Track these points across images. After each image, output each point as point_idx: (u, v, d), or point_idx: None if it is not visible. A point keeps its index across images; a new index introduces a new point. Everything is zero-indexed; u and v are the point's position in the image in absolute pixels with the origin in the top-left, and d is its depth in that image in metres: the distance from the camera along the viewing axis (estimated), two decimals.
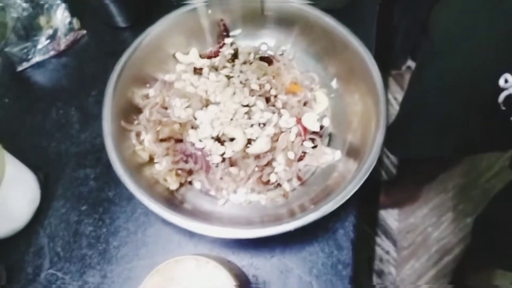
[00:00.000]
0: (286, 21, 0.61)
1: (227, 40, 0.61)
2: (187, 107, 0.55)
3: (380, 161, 1.62)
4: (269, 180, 0.54)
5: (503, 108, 0.57)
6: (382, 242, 1.46)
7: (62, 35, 0.66)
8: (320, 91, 0.60)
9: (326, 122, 0.58)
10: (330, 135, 0.58)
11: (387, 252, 1.42)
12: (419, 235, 1.46)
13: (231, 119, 0.54)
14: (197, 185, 0.55)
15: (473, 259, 1.10)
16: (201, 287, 0.34)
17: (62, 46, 0.66)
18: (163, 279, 0.34)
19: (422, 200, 1.51)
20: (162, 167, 0.54)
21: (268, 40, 0.63)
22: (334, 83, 0.60)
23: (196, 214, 0.50)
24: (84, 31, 0.69)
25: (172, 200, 0.52)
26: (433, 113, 0.75)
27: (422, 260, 1.40)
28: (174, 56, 0.61)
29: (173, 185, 0.53)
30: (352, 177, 0.48)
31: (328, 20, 0.57)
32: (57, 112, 0.62)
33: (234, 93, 0.55)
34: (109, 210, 0.55)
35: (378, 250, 1.44)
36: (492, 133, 0.66)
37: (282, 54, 0.62)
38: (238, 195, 0.54)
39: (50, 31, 0.65)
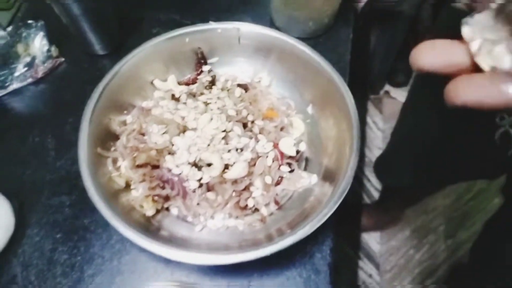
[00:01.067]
0: (263, 49, 0.62)
1: (205, 68, 0.62)
2: (164, 133, 0.55)
3: (361, 185, 1.64)
4: (246, 205, 0.54)
5: (498, 143, 0.59)
6: (365, 265, 1.46)
7: (40, 63, 0.66)
8: (297, 117, 0.61)
9: (303, 147, 0.59)
10: (306, 159, 0.59)
11: (370, 276, 1.42)
12: (401, 258, 1.47)
13: (208, 145, 0.54)
14: (174, 211, 0.55)
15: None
16: None
17: (40, 74, 0.67)
18: None
19: (403, 223, 1.52)
20: (138, 193, 0.53)
21: (245, 68, 0.64)
22: (310, 109, 0.61)
23: (173, 240, 0.50)
24: (63, 59, 0.69)
25: (148, 227, 0.51)
26: (424, 145, 0.76)
27: (405, 283, 1.41)
28: (152, 83, 0.62)
29: (149, 211, 0.52)
30: (328, 201, 0.48)
31: (303, 48, 0.58)
32: (33, 140, 0.62)
33: (211, 119, 0.55)
34: (85, 237, 0.54)
35: (361, 274, 1.44)
36: (484, 165, 0.68)
37: (259, 81, 0.63)
38: (215, 221, 0.54)
39: (28, 59, 0.65)
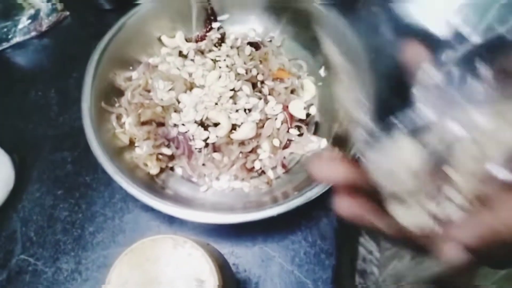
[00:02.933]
0: (276, 7, 0.59)
1: (215, 25, 0.60)
2: (170, 89, 0.53)
3: None
4: (253, 167, 0.52)
5: None
6: (366, 242, 1.45)
7: (44, 16, 0.64)
8: (308, 79, 0.59)
9: (313, 111, 0.57)
10: (316, 123, 0.57)
11: (370, 252, 1.41)
12: None
13: (216, 104, 0.52)
14: (178, 171, 0.53)
15: None
16: (178, 268, 0.32)
17: (44, 27, 0.64)
18: (138, 258, 0.32)
19: None
20: (142, 151, 0.52)
21: (256, 27, 0.61)
22: (322, 72, 0.59)
23: (177, 200, 0.48)
24: (67, 13, 0.67)
25: (152, 185, 0.50)
26: None
27: (405, 261, 1.40)
28: (159, 39, 0.59)
29: (153, 169, 0.51)
30: None
31: (318, 7, 0.56)
32: (36, 94, 0.60)
33: (219, 77, 0.53)
34: (86, 195, 0.53)
35: (361, 250, 1.43)
36: None
37: (270, 41, 0.61)
38: (221, 182, 0.53)
39: (32, 11, 0.63)
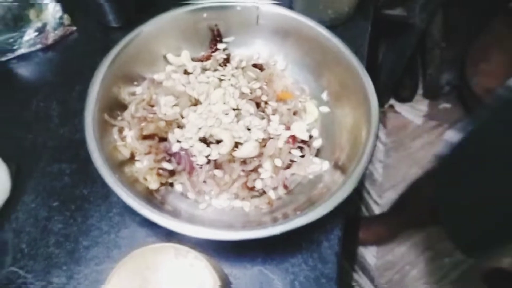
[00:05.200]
0: (281, 32, 0.61)
1: (220, 46, 0.61)
2: (174, 105, 0.53)
3: (360, 197, 1.62)
4: (254, 186, 0.52)
5: None
6: (360, 278, 1.42)
7: (51, 29, 0.64)
8: (311, 102, 0.59)
9: (315, 133, 0.57)
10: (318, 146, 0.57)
11: None
12: (396, 273, 1.44)
13: (220, 121, 0.52)
14: (178, 187, 0.52)
15: None
16: (179, 278, 0.31)
17: (50, 40, 0.65)
18: (137, 266, 0.31)
19: (401, 238, 1.49)
20: (143, 165, 0.51)
21: (261, 50, 0.62)
22: (325, 95, 0.59)
23: (176, 215, 0.47)
24: (74, 28, 0.68)
25: (151, 200, 0.49)
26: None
27: None
28: (164, 57, 0.60)
29: (153, 184, 0.50)
30: (340, 186, 0.46)
31: (323, 32, 0.57)
32: (37, 105, 0.60)
33: (224, 94, 0.53)
34: (82, 208, 0.52)
35: (356, 287, 1.41)
36: None
37: (274, 64, 0.62)
38: (221, 200, 0.52)
39: (39, 24, 0.63)
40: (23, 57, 0.64)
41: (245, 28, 0.61)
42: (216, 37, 0.61)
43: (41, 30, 0.63)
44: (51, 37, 0.65)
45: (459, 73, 1.64)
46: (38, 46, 0.64)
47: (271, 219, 0.49)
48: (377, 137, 0.49)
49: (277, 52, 0.62)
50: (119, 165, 0.50)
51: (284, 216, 0.49)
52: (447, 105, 1.76)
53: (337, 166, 0.53)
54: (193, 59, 0.60)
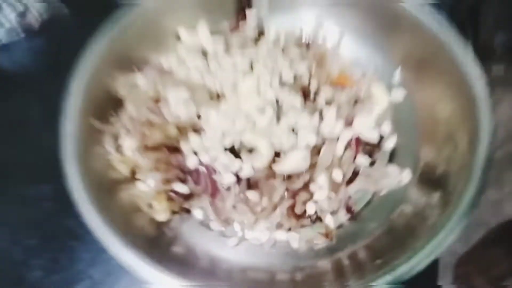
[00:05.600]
0: None
1: (250, 13, 0.45)
2: (189, 102, 0.39)
3: None
4: (304, 212, 0.38)
5: None
6: None
7: (36, 13, 0.51)
8: (378, 86, 0.43)
9: (387, 129, 0.42)
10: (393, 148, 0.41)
11: None
12: None
13: (253, 122, 0.38)
14: (197, 214, 0.39)
15: None
16: None
17: (35, 26, 0.52)
18: None
19: None
20: (147, 188, 0.38)
21: (306, 17, 0.46)
22: (397, 74, 0.43)
23: (191, 262, 0.33)
24: (66, 10, 0.54)
25: (158, 239, 0.35)
26: None
27: None
28: (175, 33, 0.44)
29: (161, 214, 0.37)
30: (441, 216, 0.30)
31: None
32: (14, 104, 0.46)
33: (257, 84, 0.38)
34: (68, 247, 0.39)
35: None
36: None
37: (325, 36, 0.45)
38: (257, 232, 0.38)
39: (21, 7, 0.50)
40: (3, 48, 0.51)
41: None
42: (244, 2, 0.45)
43: (23, 15, 0.50)
44: (36, 22, 0.51)
45: None
46: (21, 34, 0.51)
47: (333, 262, 0.35)
48: (491, 139, 0.32)
49: (328, 18, 0.45)
50: (112, 188, 0.37)
51: (352, 257, 0.34)
52: (500, 69, 1.53)
53: (425, 178, 0.38)
54: (213, 33, 0.45)
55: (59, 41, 0.53)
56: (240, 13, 0.45)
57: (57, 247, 0.38)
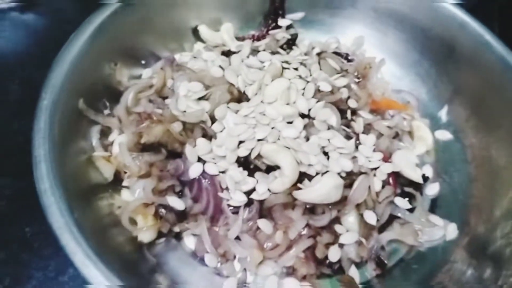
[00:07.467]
0: (378, 10, 0.39)
1: (282, 23, 0.39)
2: (202, 98, 0.32)
3: None
4: (326, 258, 0.30)
5: None
6: None
7: None
8: (421, 122, 0.36)
9: (428, 171, 0.34)
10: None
11: None
12: None
13: (277, 132, 0.31)
14: (189, 242, 0.31)
15: None
16: None
17: None
18: None
19: None
20: (133, 197, 0.30)
21: (343, 34, 0.40)
22: (444, 112, 0.38)
23: None
24: None
25: (136, 265, 0.27)
26: None
27: None
28: (194, 30, 0.39)
29: (145, 234, 0.29)
30: None
31: (447, 9, 0.35)
32: None
33: (288, 89, 0.32)
34: (19, 260, 0.31)
35: None
36: None
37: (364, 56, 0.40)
38: (262, 276, 0.30)
39: None
40: None
41: (322, 3, 0.41)
42: (276, 9, 0.39)
43: None
44: None
45: None
46: (11, 4, 0.45)
47: None
48: None
49: (367, 41, 0.40)
50: (90, 192, 0.30)
51: None
52: None
53: (475, 237, 0.31)
54: (238, 39, 0.39)
55: (55, 16, 0.47)
56: (271, 20, 0.40)
57: (8, 259, 0.30)
